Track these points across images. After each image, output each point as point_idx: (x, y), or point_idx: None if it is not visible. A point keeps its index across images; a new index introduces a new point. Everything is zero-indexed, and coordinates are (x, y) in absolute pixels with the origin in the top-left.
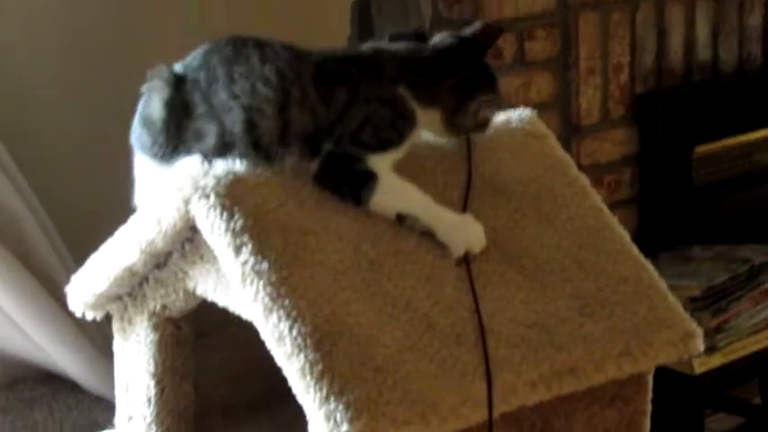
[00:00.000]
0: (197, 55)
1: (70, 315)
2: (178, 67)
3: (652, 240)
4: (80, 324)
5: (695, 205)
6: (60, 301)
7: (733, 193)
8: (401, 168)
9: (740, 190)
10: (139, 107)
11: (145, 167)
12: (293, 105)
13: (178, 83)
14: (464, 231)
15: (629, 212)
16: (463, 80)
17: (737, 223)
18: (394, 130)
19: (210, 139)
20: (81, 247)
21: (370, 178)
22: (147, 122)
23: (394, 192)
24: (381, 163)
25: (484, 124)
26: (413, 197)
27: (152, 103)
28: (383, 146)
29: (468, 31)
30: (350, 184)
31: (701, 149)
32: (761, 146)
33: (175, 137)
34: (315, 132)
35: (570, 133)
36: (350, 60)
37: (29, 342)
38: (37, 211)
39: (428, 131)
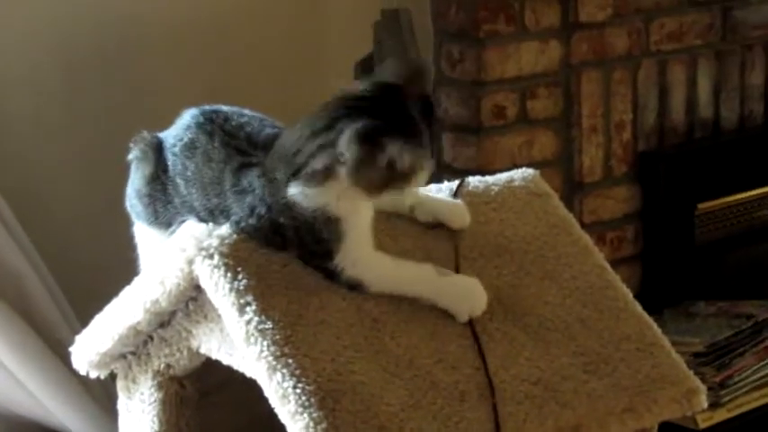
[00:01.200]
0: (180, 133)
1: (74, 373)
2: (164, 138)
3: (655, 297)
4: (84, 382)
5: (698, 262)
6: (64, 359)
7: (736, 250)
8: (407, 228)
9: (743, 246)
10: (130, 177)
11: (144, 233)
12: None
13: (161, 154)
14: (465, 298)
15: (633, 269)
16: (364, 128)
17: (740, 280)
18: (326, 237)
19: (200, 210)
20: (84, 305)
21: (356, 286)
22: (138, 194)
23: (385, 282)
24: (355, 251)
25: (405, 178)
26: (406, 278)
27: (137, 176)
28: (332, 252)
29: (387, 75)
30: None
31: (704, 207)
32: (763, 203)
33: (164, 209)
34: None
35: (573, 191)
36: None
37: (31, 399)
38: (40, 269)
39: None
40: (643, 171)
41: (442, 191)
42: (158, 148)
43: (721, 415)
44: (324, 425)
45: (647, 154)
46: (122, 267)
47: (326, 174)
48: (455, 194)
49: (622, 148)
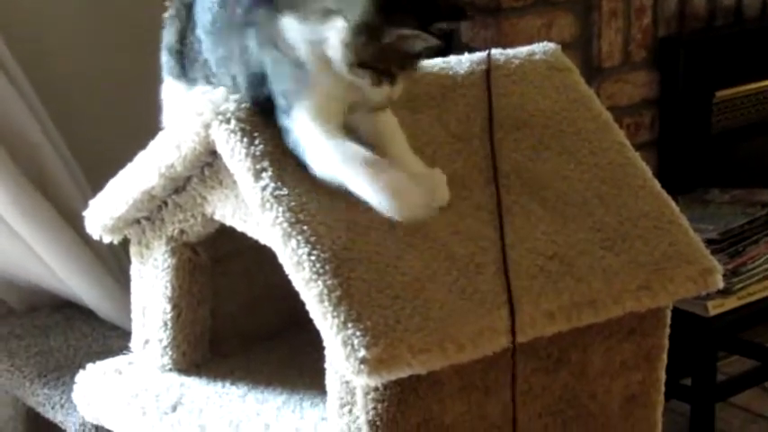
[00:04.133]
0: None
1: (87, 243)
2: None
3: (670, 183)
4: (96, 252)
5: (714, 150)
6: (77, 229)
7: (752, 139)
8: (417, 98)
9: (759, 135)
10: (163, 33)
11: (171, 89)
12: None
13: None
14: (395, 196)
15: (648, 155)
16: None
17: (756, 168)
18: (292, 86)
19: (213, 65)
20: (97, 176)
21: (300, 156)
22: (169, 49)
23: (318, 159)
24: (308, 110)
25: (398, 62)
26: (339, 159)
27: (169, 32)
28: (292, 105)
29: None
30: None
31: (722, 94)
32: None
33: (191, 66)
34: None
35: (591, 75)
36: None
37: (45, 270)
38: (55, 139)
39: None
40: (662, 57)
41: (462, 62)
42: (190, 7)
43: (732, 303)
44: (338, 292)
45: (667, 39)
46: (136, 138)
47: (326, 15)
48: (488, 68)
49: (642, 33)
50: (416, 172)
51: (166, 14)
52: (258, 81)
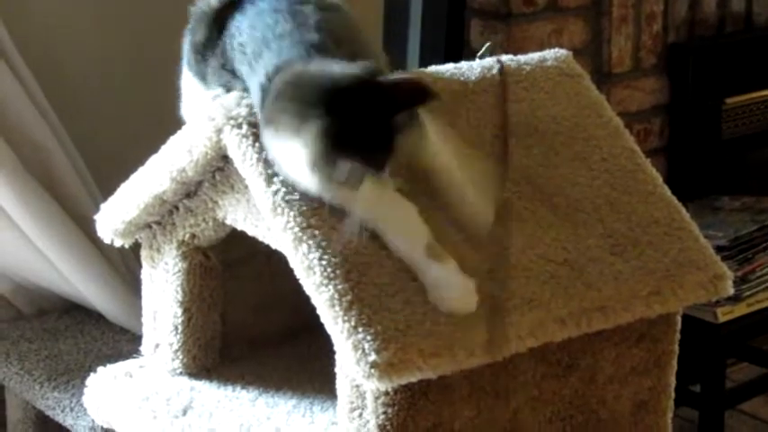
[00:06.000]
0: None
1: (97, 247)
2: None
3: (680, 190)
4: (106, 256)
5: (724, 157)
6: (87, 232)
7: (762, 146)
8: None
9: None
10: (188, 30)
11: (190, 82)
12: None
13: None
14: (445, 289)
15: (658, 162)
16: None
17: (765, 176)
18: None
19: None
20: (108, 181)
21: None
22: (193, 46)
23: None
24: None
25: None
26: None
27: (197, 32)
28: None
29: (390, 78)
30: None
31: (732, 101)
32: None
33: (211, 67)
34: None
35: (601, 81)
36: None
37: (55, 273)
38: (66, 143)
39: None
40: (672, 63)
41: (473, 68)
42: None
43: (741, 309)
44: (349, 297)
45: (677, 46)
46: (147, 142)
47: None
48: (501, 76)
49: (652, 40)
50: None
51: (194, 9)
52: None
